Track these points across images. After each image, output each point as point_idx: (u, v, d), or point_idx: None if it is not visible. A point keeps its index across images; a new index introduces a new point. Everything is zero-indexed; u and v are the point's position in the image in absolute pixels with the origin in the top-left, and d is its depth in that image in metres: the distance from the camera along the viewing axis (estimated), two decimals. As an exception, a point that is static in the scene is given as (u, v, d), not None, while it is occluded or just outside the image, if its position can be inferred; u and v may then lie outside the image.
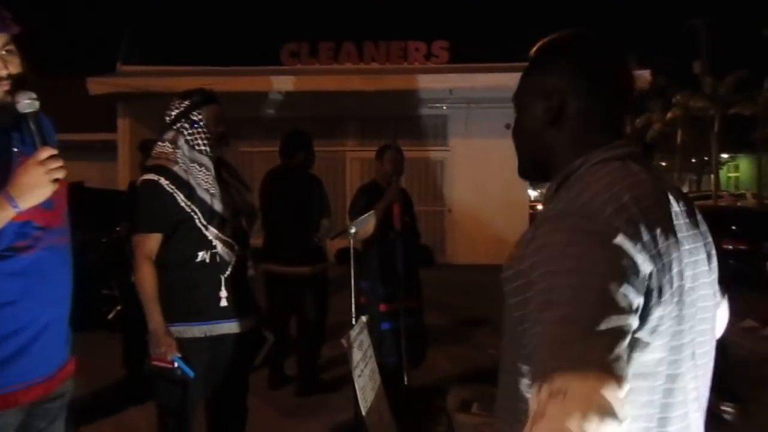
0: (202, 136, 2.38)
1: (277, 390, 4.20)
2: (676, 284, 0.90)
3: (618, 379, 0.79)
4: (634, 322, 0.84)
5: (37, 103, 1.54)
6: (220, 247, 2.34)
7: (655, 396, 0.90)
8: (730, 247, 8.71)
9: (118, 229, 4.86)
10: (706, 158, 34.09)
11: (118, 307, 5.33)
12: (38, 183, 1.49)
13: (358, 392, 2.60)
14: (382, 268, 3.76)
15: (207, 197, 2.34)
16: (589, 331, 0.81)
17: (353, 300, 3.11)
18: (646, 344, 0.87)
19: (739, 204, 26.07)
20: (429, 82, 10.26)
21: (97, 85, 10.05)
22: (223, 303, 2.35)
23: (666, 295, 0.88)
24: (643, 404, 0.89)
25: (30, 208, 1.52)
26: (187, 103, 2.41)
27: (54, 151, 1.52)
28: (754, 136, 26.55)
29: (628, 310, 0.83)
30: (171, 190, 2.28)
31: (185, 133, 2.37)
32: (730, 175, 43.22)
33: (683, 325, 0.92)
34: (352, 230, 3.15)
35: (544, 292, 0.86)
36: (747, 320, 6.43)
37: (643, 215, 0.88)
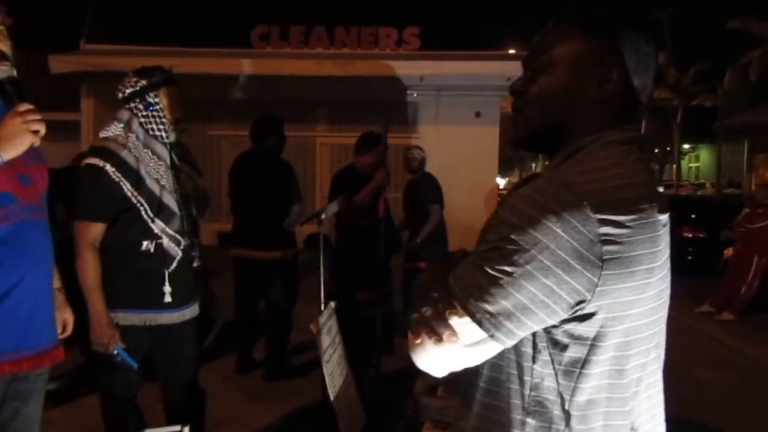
0: (158, 120, 2.25)
1: (245, 374, 4.20)
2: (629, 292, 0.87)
3: (485, 328, 0.85)
4: (546, 306, 0.84)
5: (14, 70, 1.64)
6: (165, 241, 2.25)
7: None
8: (690, 234, 8.98)
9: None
10: (668, 148, 34.86)
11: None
12: (17, 133, 1.56)
13: (326, 377, 2.62)
14: (363, 256, 3.76)
15: (156, 188, 2.22)
16: (492, 266, 0.85)
17: (322, 285, 3.11)
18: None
19: (698, 193, 26.83)
20: (400, 69, 10.24)
21: (59, 63, 9.76)
22: (167, 299, 2.27)
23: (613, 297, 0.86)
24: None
25: (7, 179, 1.60)
26: (144, 82, 2.25)
27: (32, 106, 1.58)
28: (715, 127, 27.22)
29: (544, 284, 0.83)
30: (117, 179, 2.15)
31: (139, 115, 2.24)
32: (691, 164, 44.35)
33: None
34: (322, 216, 3.14)
35: (487, 240, 0.89)
36: (704, 306, 6.65)
37: (624, 204, 0.85)
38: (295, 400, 3.78)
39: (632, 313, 0.88)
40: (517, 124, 1.03)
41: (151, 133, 2.25)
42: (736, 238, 6.84)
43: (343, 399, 2.76)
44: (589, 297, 0.84)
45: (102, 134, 2.26)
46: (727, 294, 6.56)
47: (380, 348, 3.66)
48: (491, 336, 0.86)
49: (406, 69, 10.26)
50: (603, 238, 0.82)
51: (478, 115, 10.82)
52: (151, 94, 2.24)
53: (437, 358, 0.90)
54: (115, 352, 2.18)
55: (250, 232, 4.06)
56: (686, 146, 38.78)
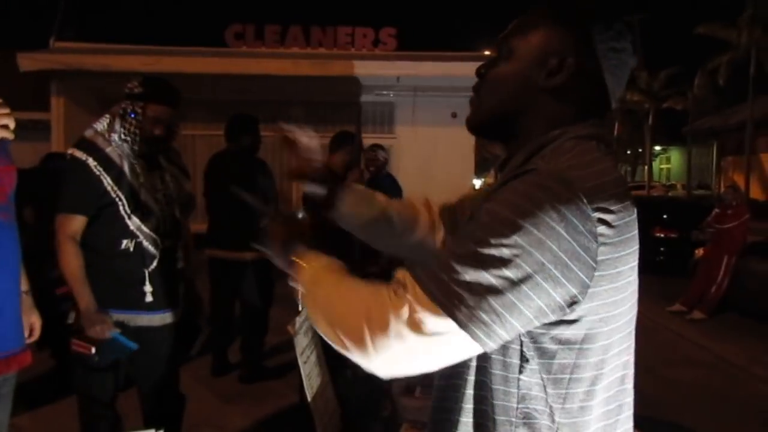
0: (130, 129, 2.24)
1: (220, 376, 4.15)
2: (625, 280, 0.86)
3: (454, 317, 0.78)
4: (536, 302, 0.79)
5: None
6: (143, 240, 2.25)
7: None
8: (661, 235, 9.15)
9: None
10: (640, 150, 35.50)
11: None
12: None
13: (303, 378, 2.60)
14: (338, 255, 3.74)
15: (135, 185, 2.24)
16: (482, 265, 0.78)
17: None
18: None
19: (669, 194, 27.37)
20: (376, 69, 10.24)
21: (28, 61, 9.53)
22: (149, 298, 2.27)
23: (607, 287, 0.83)
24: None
25: None
26: (140, 89, 2.27)
27: (1, 100, 1.58)
28: (685, 129, 27.81)
29: (539, 284, 0.78)
30: (98, 172, 2.17)
31: (121, 115, 2.26)
32: (663, 166, 45.25)
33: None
34: (300, 215, 3.13)
35: (478, 218, 0.84)
36: (676, 305, 6.78)
37: (614, 202, 0.82)
38: (271, 401, 3.75)
39: (617, 312, 0.86)
40: (472, 106, 1.02)
41: (122, 137, 2.25)
42: (706, 238, 6.99)
43: (320, 400, 2.74)
44: (581, 299, 0.81)
45: (93, 126, 2.28)
46: (698, 293, 6.70)
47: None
48: (481, 344, 0.80)
49: (382, 69, 10.27)
50: (599, 238, 0.80)
51: (454, 115, 10.87)
52: (139, 103, 2.25)
53: (401, 355, 0.83)
54: (92, 349, 2.16)
55: (226, 233, 4.01)
56: (657, 148, 39.56)
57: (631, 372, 0.94)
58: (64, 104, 10.53)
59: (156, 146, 2.33)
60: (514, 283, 0.78)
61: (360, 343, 0.84)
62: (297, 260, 1.04)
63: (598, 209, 0.80)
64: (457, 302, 0.79)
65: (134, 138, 2.26)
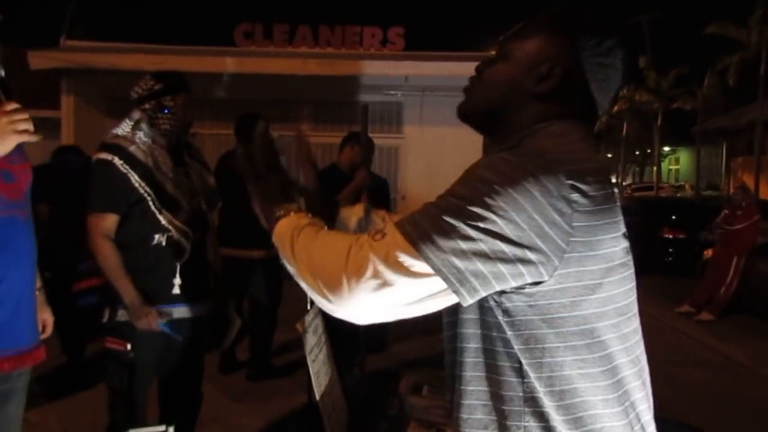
0: (172, 122, 2.34)
1: (228, 374, 4.17)
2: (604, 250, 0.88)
3: (435, 267, 0.82)
4: (511, 260, 0.82)
5: (2, 70, 1.67)
6: (175, 233, 2.30)
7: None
8: (670, 236, 9.10)
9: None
10: (648, 150, 35.31)
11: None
12: (3, 132, 1.55)
13: (312, 377, 2.61)
14: None
15: (163, 180, 2.29)
16: (460, 215, 0.82)
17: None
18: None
19: (678, 195, 27.21)
20: (384, 69, 10.24)
21: (38, 60, 9.60)
22: (176, 290, 2.32)
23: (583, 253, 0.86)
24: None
25: None
26: (160, 85, 2.34)
27: (18, 105, 1.58)
28: (694, 130, 27.64)
29: (513, 242, 0.81)
30: (125, 170, 2.22)
31: (151, 114, 2.32)
32: (671, 167, 44.97)
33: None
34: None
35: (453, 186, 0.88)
36: (684, 306, 6.75)
37: (590, 174, 0.87)
38: (279, 400, 3.77)
39: (606, 282, 0.88)
40: (465, 98, 1.08)
41: (162, 135, 2.33)
42: (715, 239, 6.95)
43: (328, 398, 2.75)
44: (557, 263, 0.84)
45: (113, 132, 2.33)
46: (707, 294, 6.66)
47: (365, 346, 3.67)
48: (455, 291, 0.83)
49: (390, 69, 10.26)
50: (574, 205, 0.83)
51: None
52: (167, 98, 2.33)
53: (375, 296, 0.85)
54: (128, 346, 2.22)
55: (235, 231, 4.03)
56: (666, 148, 39.32)
57: (634, 347, 0.94)
58: (74, 102, 10.59)
59: (193, 131, 2.44)
60: (490, 237, 0.81)
61: (336, 283, 0.86)
62: (281, 213, 1.07)
63: (572, 177, 0.84)
64: (434, 247, 0.82)
65: (173, 131, 2.35)
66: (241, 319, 4.28)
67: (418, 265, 0.83)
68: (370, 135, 3.73)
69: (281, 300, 4.29)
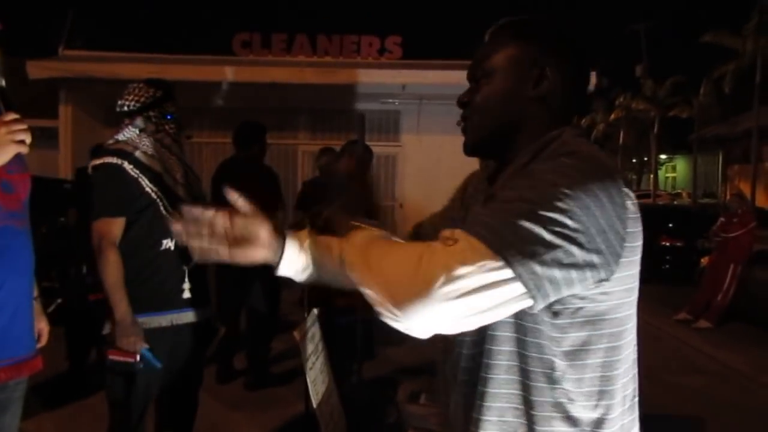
0: (174, 128, 2.36)
1: (226, 383, 4.16)
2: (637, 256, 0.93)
3: (516, 270, 0.80)
4: (580, 265, 0.82)
5: (2, 80, 1.65)
6: None
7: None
8: (667, 243, 9.12)
9: (62, 219, 4.70)
10: (645, 158, 35.40)
11: (59, 300, 5.17)
12: (1, 143, 1.55)
13: (309, 385, 2.61)
14: None
15: (173, 185, 2.29)
16: (536, 220, 0.81)
17: (305, 292, 3.11)
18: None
19: (675, 203, 27.27)
20: (382, 77, 10.28)
21: (37, 69, 9.61)
22: (186, 294, 2.31)
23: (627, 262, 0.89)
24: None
25: None
26: (160, 93, 2.34)
27: (17, 116, 1.58)
28: (691, 138, 27.74)
29: (584, 247, 0.82)
30: (135, 175, 2.20)
31: (157, 122, 2.32)
32: (668, 175, 45.06)
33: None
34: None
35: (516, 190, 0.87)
36: (682, 313, 6.75)
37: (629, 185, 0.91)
38: (277, 408, 3.76)
39: (635, 285, 0.93)
40: (466, 132, 1.07)
41: (167, 141, 2.33)
42: (712, 246, 6.97)
43: (326, 406, 2.75)
44: (614, 268, 0.86)
45: (114, 137, 2.31)
46: (704, 302, 6.67)
47: (362, 354, 3.66)
48: (532, 297, 0.82)
49: (388, 78, 10.30)
50: (628, 211, 0.87)
51: (459, 124, 10.88)
52: (168, 105, 2.34)
53: (449, 303, 0.81)
54: (137, 357, 2.15)
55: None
56: (663, 156, 39.46)
57: (633, 352, 0.99)
58: (72, 112, 10.60)
59: (188, 134, 2.51)
60: (567, 242, 0.81)
61: (407, 291, 0.83)
62: (357, 224, 1.06)
63: (625, 185, 0.88)
64: (516, 253, 0.80)
65: (178, 135, 2.37)
66: (238, 327, 4.28)
67: (499, 272, 0.81)
68: (368, 143, 3.75)
69: (279, 308, 4.29)
